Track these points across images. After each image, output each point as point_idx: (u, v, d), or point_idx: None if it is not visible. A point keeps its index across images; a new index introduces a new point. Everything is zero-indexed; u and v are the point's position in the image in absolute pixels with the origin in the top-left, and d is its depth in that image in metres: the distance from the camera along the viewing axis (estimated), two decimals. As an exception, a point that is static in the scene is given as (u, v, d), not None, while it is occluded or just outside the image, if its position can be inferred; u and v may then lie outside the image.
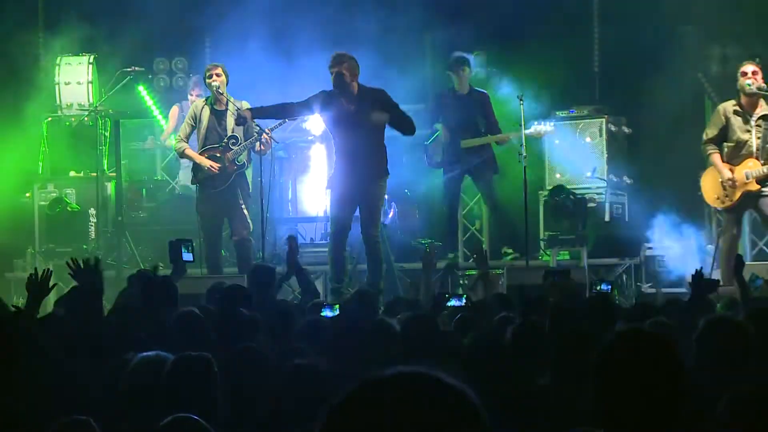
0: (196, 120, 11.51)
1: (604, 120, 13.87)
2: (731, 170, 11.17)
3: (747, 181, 11.10)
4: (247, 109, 10.45)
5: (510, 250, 12.75)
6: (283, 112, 10.73)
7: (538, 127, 12.78)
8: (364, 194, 10.25)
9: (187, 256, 8.60)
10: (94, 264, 6.30)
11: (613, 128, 13.98)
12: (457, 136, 12.83)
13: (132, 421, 4.66)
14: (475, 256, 9.04)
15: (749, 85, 11.07)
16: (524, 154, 11.80)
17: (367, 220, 10.30)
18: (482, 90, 13.22)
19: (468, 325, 6.50)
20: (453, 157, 12.88)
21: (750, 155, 11.14)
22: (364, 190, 10.23)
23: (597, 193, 13.62)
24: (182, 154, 11.77)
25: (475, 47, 14.24)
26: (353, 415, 1.94)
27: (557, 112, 13.94)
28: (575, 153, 13.76)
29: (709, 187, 11.37)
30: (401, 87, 14.33)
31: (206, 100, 11.62)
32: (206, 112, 11.45)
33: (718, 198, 11.30)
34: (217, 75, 11.31)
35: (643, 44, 13.95)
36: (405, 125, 10.33)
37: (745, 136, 11.15)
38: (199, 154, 11.46)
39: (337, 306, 7.25)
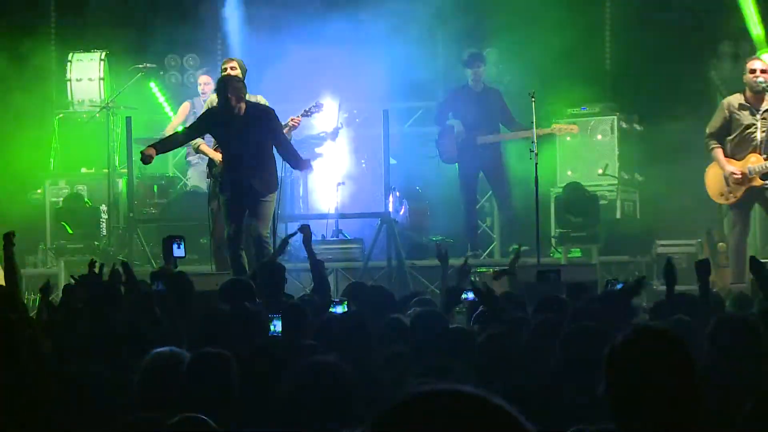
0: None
1: (615, 117, 13.86)
2: (734, 165, 11.10)
3: (751, 177, 11.04)
4: (150, 146, 10.40)
5: (517, 246, 12.74)
6: (183, 138, 10.92)
7: (561, 126, 12.83)
8: (253, 208, 10.31)
9: (178, 252, 8.71)
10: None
11: (624, 125, 13.97)
12: (473, 132, 12.85)
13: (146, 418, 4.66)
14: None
15: (762, 82, 11.00)
16: (535, 151, 11.79)
17: (255, 222, 10.30)
18: (495, 87, 13.26)
19: (487, 321, 6.48)
20: (469, 153, 12.89)
21: (754, 150, 11.07)
22: (252, 205, 10.30)
23: (608, 191, 13.61)
24: (197, 150, 11.82)
25: (487, 44, 14.24)
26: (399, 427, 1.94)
27: (569, 109, 13.93)
28: (587, 150, 13.75)
29: (713, 183, 11.26)
30: (412, 83, 14.36)
31: None
32: None
33: (722, 194, 11.21)
34: (232, 68, 11.29)
35: (655, 41, 13.93)
36: (288, 152, 10.40)
37: (750, 130, 11.08)
38: (215, 149, 11.44)
39: (346, 302, 7.26)
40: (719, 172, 11.13)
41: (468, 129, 12.85)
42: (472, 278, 12.01)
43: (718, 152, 11.10)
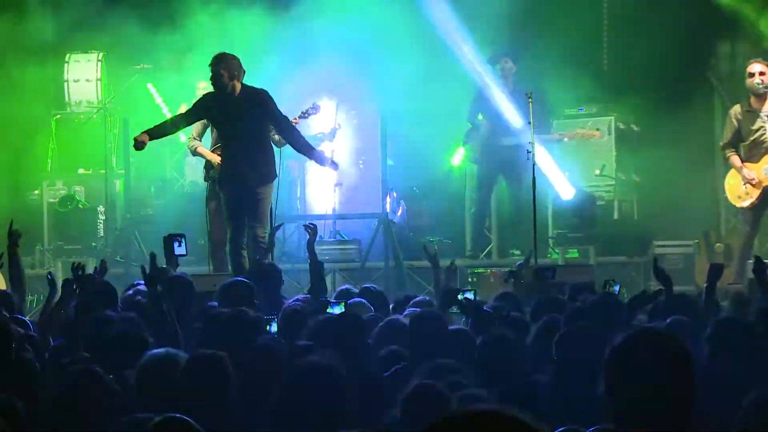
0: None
1: (613, 118, 13.86)
2: (751, 170, 11.20)
3: (765, 176, 11.14)
4: (143, 132, 10.25)
5: (518, 252, 12.73)
6: (175, 125, 10.69)
7: (584, 131, 12.79)
8: (250, 197, 10.10)
9: (179, 250, 8.70)
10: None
11: (621, 126, 13.97)
12: (499, 132, 12.77)
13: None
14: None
15: (759, 84, 11.11)
16: (533, 152, 11.78)
17: (253, 222, 10.13)
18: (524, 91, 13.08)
19: (484, 322, 6.48)
20: (492, 154, 12.82)
21: (766, 151, 11.19)
22: (249, 204, 10.10)
23: (606, 191, 13.60)
24: (194, 152, 11.76)
25: (486, 45, 14.20)
26: None
27: (566, 110, 13.92)
28: (584, 151, 13.74)
29: (732, 188, 11.41)
30: (409, 84, 14.32)
31: None
32: None
33: (740, 197, 11.33)
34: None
35: (653, 41, 13.93)
36: (294, 139, 10.26)
37: (759, 133, 11.19)
38: (212, 151, 11.43)
39: (343, 303, 7.25)
40: (737, 177, 11.26)
41: (495, 128, 12.77)
42: (469, 280, 12.06)
43: (734, 159, 11.30)
